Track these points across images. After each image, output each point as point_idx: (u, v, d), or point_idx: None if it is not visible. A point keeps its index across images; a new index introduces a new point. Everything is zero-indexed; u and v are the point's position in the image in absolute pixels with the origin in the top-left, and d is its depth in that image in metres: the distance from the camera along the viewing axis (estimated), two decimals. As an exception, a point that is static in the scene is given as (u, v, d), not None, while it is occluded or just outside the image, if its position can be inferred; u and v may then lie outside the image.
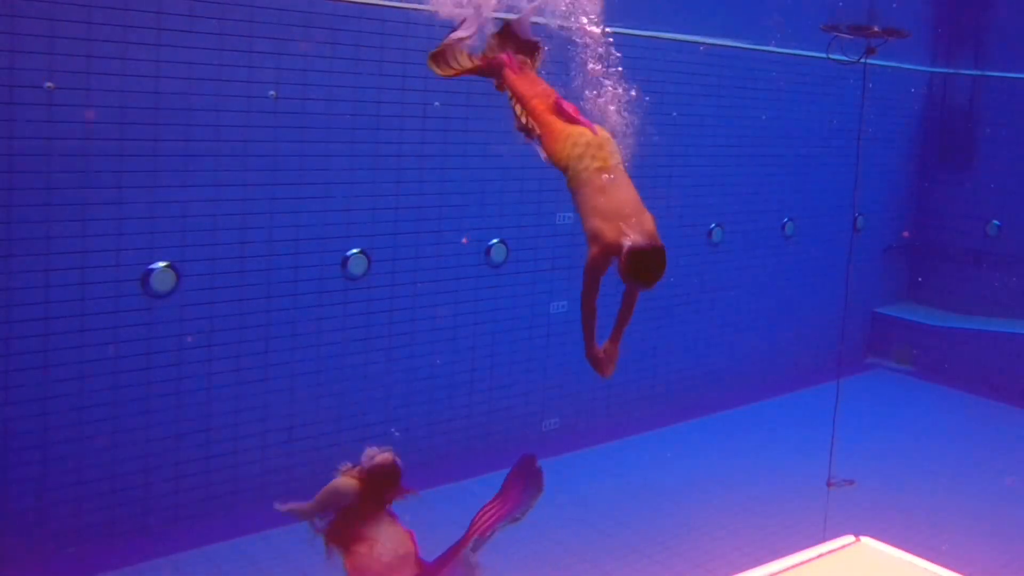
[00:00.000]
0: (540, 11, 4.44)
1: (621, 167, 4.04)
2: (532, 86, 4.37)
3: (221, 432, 6.28)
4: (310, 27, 6.32)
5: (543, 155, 4.16)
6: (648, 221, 3.92)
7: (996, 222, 10.81)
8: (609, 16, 4.37)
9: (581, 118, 4.15)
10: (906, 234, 10.70)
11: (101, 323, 5.73)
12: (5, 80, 5.25)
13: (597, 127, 4.13)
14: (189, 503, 6.21)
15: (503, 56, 4.60)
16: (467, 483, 6.84)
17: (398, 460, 4.34)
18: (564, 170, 4.09)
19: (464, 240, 7.02)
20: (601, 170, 3.98)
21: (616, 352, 4.10)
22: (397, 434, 6.85)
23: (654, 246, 3.85)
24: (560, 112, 4.13)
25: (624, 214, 3.87)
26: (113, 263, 5.74)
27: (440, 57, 4.63)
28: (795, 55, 9.34)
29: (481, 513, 4.29)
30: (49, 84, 5.38)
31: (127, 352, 5.84)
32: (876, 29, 7.34)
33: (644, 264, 3.83)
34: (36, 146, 5.41)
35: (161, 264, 5.90)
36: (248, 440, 6.40)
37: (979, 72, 10.84)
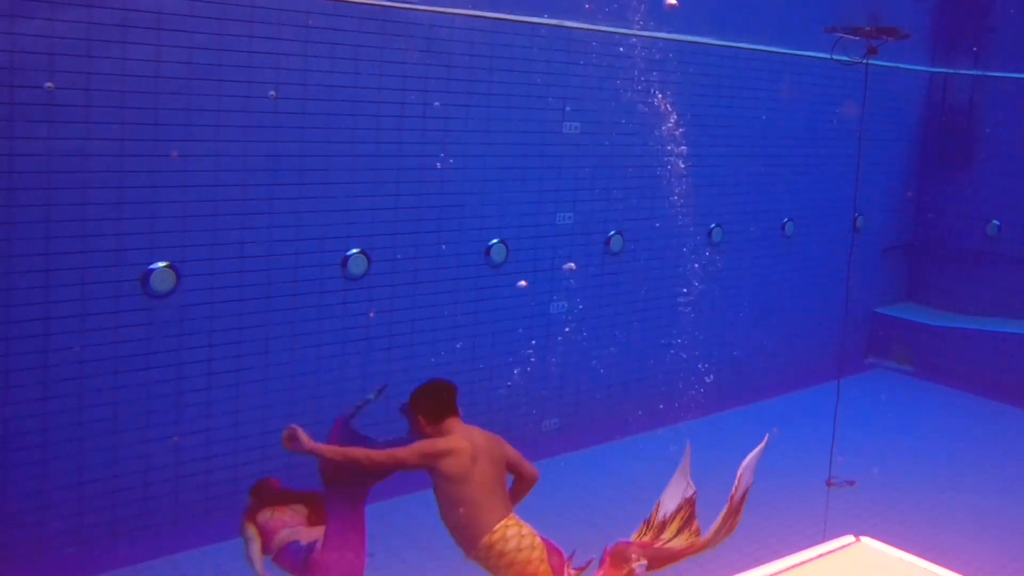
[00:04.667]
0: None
1: None
2: None
3: (221, 432, 6.28)
4: (310, 27, 6.32)
5: None
6: None
7: (996, 222, 10.81)
8: (610, 16, 4.36)
9: None
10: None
11: (101, 323, 5.73)
12: (5, 80, 5.25)
13: None
14: (189, 503, 6.21)
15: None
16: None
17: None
18: None
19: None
20: None
21: None
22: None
23: None
24: None
25: None
26: (113, 263, 5.74)
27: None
28: (796, 55, 9.34)
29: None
30: (49, 84, 5.37)
31: (127, 352, 5.84)
32: (871, 29, 7.34)
33: None
34: (36, 146, 5.41)
35: (161, 264, 5.90)
36: (248, 440, 6.40)
37: (979, 72, 10.84)
